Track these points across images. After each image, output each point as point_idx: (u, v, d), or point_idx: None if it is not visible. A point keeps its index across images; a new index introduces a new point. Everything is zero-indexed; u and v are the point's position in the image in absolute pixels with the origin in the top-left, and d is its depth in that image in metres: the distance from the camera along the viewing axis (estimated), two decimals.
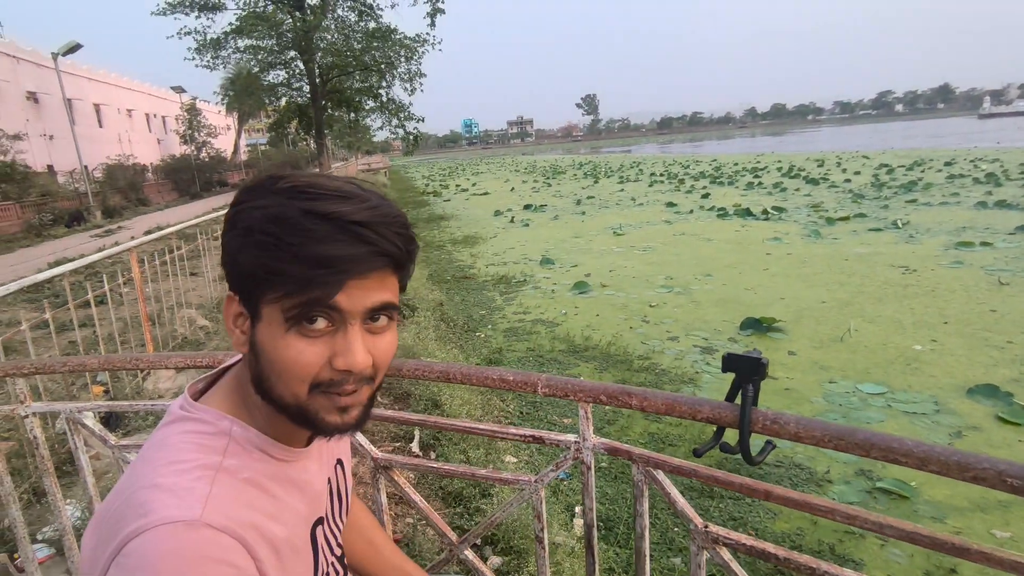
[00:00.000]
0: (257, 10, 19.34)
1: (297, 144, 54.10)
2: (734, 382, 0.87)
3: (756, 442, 0.91)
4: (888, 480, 3.52)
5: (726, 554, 0.90)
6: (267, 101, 23.28)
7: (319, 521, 0.72)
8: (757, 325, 6.06)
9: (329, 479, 0.78)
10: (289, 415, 0.62)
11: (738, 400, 0.86)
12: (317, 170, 36.46)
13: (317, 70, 20.89)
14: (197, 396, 0.69)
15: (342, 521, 0.82)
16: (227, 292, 0.64)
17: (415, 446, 3.79)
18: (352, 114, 24.58)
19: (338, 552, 0.78)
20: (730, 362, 0.86)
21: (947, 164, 23.09)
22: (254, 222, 0.58)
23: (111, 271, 7.66)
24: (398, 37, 20.19)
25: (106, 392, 4.10)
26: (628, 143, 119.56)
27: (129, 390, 4.12)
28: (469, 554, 1.22)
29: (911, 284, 7.35)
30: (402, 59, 19.90)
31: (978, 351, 5.22)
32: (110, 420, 3.78)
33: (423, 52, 19.70)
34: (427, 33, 19.98)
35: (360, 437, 1.22)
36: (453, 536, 1.21)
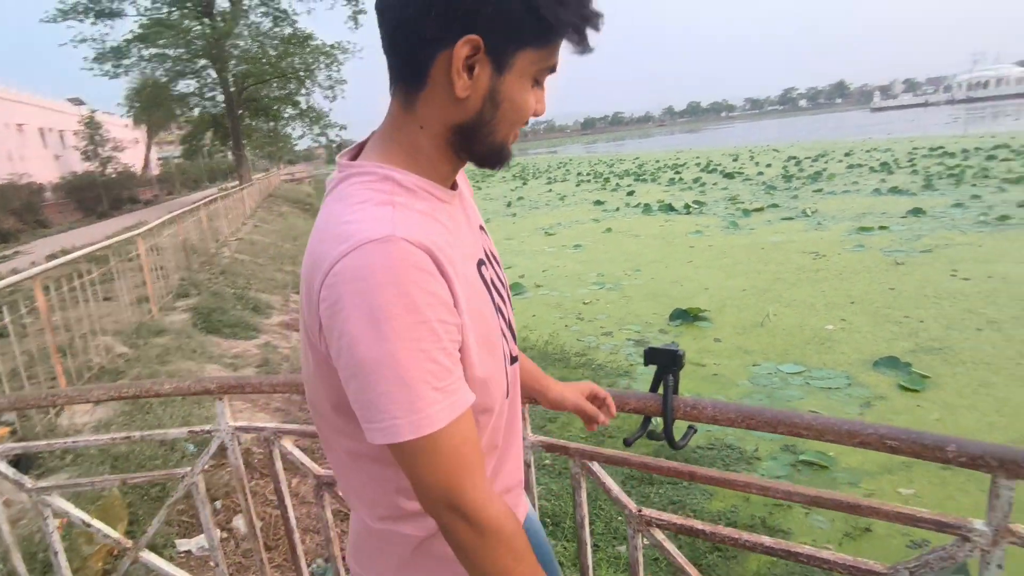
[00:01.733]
0: (160, 16, 18.33)
1: (213, 156, 51.72)
2: (656, 374, 0.94)
3: (682, 428, 0.99)
4: (810, 453, 3.79)
5: (659, 534, 0.97)
6: (178, 112, 22.10)
7: (480, 261, 0.77)
8: (685, 316, 6.35)
9: (488, 251, 0.83)
10: (491, 152, 0.72)
11: (660, 390, 0.93)
12: (236, 183, 34.93)
13: (231, 79, 20.04)
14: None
15: (502, 272, 0.85)
16: (463, 38, 0.64)
17: None
18: (271, 123, 23.73)
19: (504, 294, 0.83)
20: (651, 356, 0.94)
21: (846, 155, 24.90)
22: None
23: (10, 301, 7.07)
24: (316, 44, 19.69)
25: (13, 432, 3.79)
26: (554, 144, 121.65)
27: (41, 428, 3.83)
28: None
29: (821, 268, 7.90)
30: (322, 66, 19.43)
31: (880, 327, 5.69)
32: (21, 463, 3.50)
33: (344, 59, 19.30)
34: (348, 41, 19.61)
35: (300, 454, 1.21)
36: None
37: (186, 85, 21.20)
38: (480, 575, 0.66)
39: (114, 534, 1.35)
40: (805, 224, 11.05)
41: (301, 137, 22.33)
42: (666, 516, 0.97)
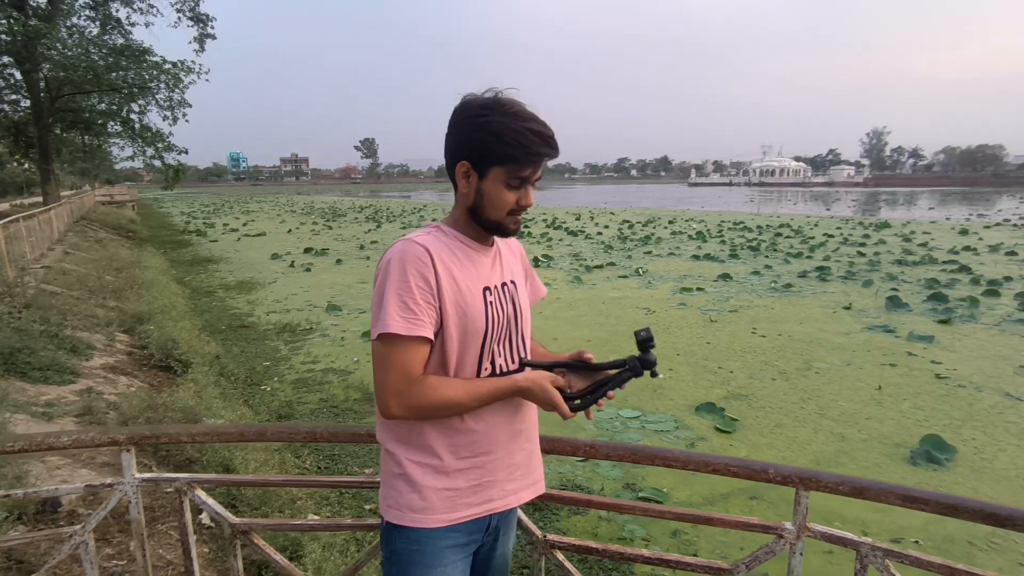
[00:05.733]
0: None
1: (4, 166, 44.01)
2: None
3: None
4: (648, 489, 4.27)
5: (560, 555, 1.16)
6: None
7: (487, 288, 1.19)
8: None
9: (506, 282, 1.26)
10: (489, 228, 1.20)
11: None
12: (34, 200, 30.02)
13: (43, 83, 17.54)
14: None
15: (515, 305, 1.26)
16: (460, 161, 1.16)
17: (205, 517, 3.47)
18: (88, 138, 21.00)
19: (508, 316, 1.23)
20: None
21: (671, 222, 28.32)
22: (500, 129, 1.10)
23: None
24: (155, 60, 18.05)
25: None
26: (408, 189, 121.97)
27: None
28: None
29: (652, 323, 8.90)
30: (162, 86, 17.77)
31: (700, 376, 6.58)
32: None
33: (189, 81, 17.90)
34: (193, 61, 18.25)
35: (214, 503, 1.22)
36: None
37: None
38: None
39: None
40: (638, 282, 12.38)
41: (132, 158, 19.97)
42: (567, 539, 1.17)
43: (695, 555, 3.61)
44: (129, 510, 1.25)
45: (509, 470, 1.23)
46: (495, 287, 1.21)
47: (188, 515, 1.28)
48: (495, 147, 1.10)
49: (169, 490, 1.22)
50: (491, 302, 1.18)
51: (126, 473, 1.23)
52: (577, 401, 1.19)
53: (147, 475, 1.25)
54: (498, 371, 1.20)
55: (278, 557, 1.25)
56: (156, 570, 1.25)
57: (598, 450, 1.11)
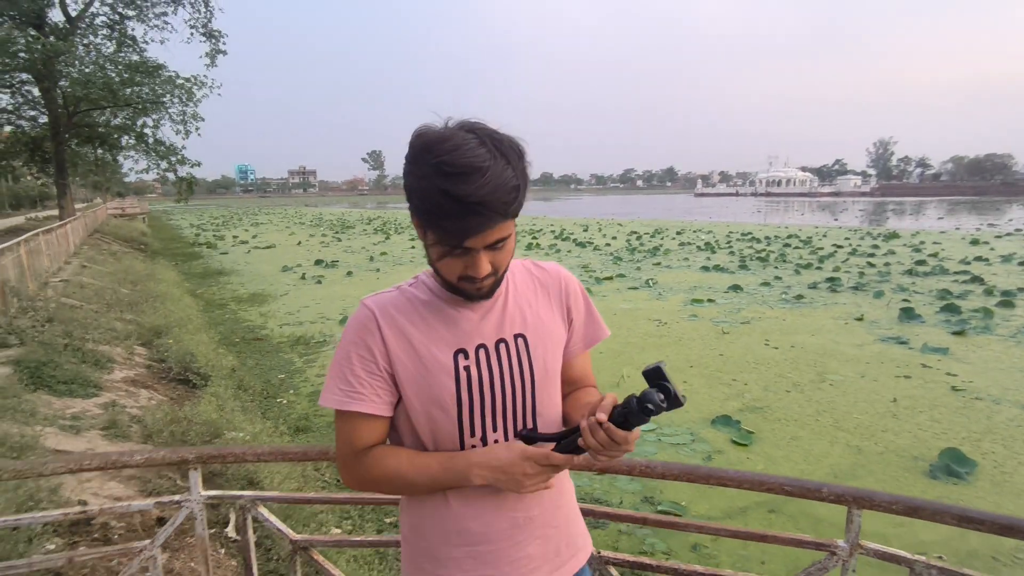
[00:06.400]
0: None
1: (19, 180, 44.62)
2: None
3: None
4: (666, 503, 4.28)
5: (614, 571, 1.20)
6: None
7: (460, 351, 1.01)
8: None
9: (500, 339, 1.04)
10: (448, 287, 0.99)
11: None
12: (48, 213, 30.32)
13: (61, 100, 17.85)
14: None
15: (510, 360, 1.04)
16: (415, 218, 0.95)
17: (230, 530, 3.51)
18: (102, 151, 21.27)
19: (499, 372, 1.02)
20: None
21: (679, 233, 28.34)
22: (414, 189, 0.91)
23: None
24: (169, 75, 18.37)
25: None
26: None
27: None
28: None
29: (664, 335, 8.92)
30: (175, 100, 18.05)
31: (715, 388, 6.59)
32: None
33: (202, 95, 18.17)
34: (205, 76, 18.56)
35: (276, 520, 1.27)
36: None
37: None
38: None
39: None
40: (648, 294, 12.39)
41: (145, 170, 20.24)
42: (620, 555, 1.21)
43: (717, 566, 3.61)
44: (194, 526, 1.30)
45: (521, 563, 1.02)
46: (476, 348, 1.01)
47: (251, 532, 1.32)
48: (417, 208, 0.92)
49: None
50: (466, 367, 1.00)
51: (193, 491, 1.28)
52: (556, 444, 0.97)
53: (213, 492, 1.30)
54: (468, 433, 1.01)
55: (336, 572, 1.29)
56: None
57: (654, 469, 1.15)
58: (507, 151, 0.90)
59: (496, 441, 1.01)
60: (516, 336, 1.04)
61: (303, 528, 3.45)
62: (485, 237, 0.90)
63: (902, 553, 1.03)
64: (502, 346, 1.02)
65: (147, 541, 1.29)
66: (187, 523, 1.31)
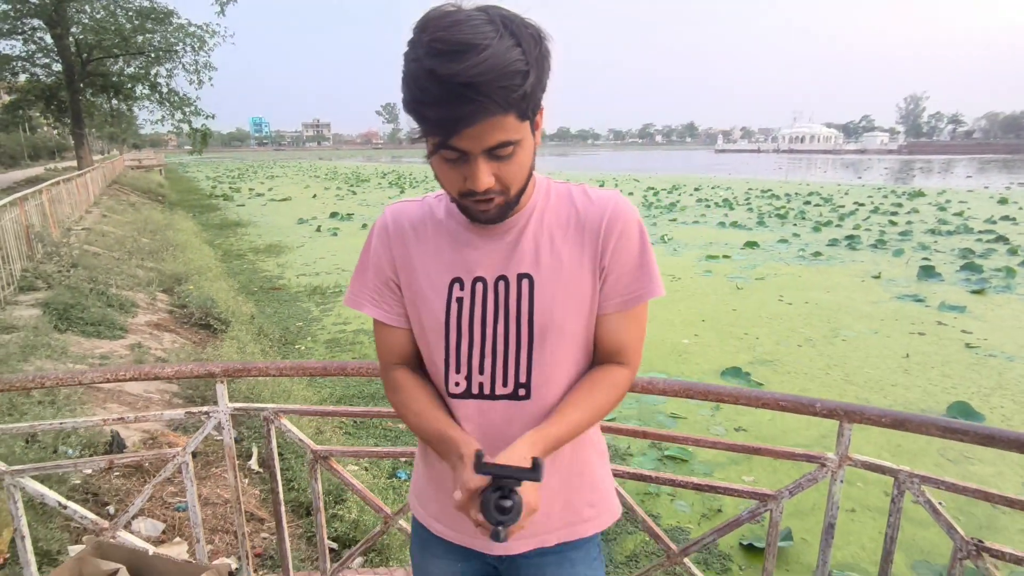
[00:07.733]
0: None
1: (36, 130, 44.83)
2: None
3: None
4: (673, 449, 4.39)
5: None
6: None
7: (456, 280, 0.91)
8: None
9: (501, 276, 0.90)
10: (461, 209, 0.86)
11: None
12: (66, 164, 30.59)
13: (75, 47, 17.75)
14: None
15: (506, 300, 0.90)
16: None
17: (253, 463, 3.69)
18: (117, 101, 21.25)
19: (493, 311, 0.90)
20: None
21: (696, 189, 27.90)
22: (403, 77, 0.74)
23: None
24: (180, 22, 18.12)
25: None
26: None
27: None
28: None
29: (678, 290, 8.93)
30: (187, 49, 17.87)
31: (726, 342, 6.63)
32: None
33: (214, 44, 17.95)
34: (217, 24, 18.31)
35: (298, 431, 1.35)
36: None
37: (10, 46, 18.40)
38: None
39: (91, 515, 1.35)
40: (664, 249, 12.33)
41: (159, 121, 20.24)
42: (622, 467, 1.28)
43: (695, 526, 3.72)
44: (222, 435, 1.39)
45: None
46: (474, 280, 0.90)
47: (274, 441, 1.41)
48: (404, 101, 0.76)
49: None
50: (459, 298, 0.90)
51: (220, 402, 1.36)
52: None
53: (239, 404, 1.39)
54: (475, 391, 0.91)
55: (354, 480, 1.38)
56: (233, 491, 1.40)
57: (655, 385, 1.20)
58: (518, 30, 0.73)
59: (481, 385, 0.90)
60: (521, 276, 0.89)
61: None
62: (480, 135, 0.73)
63: (887, 464, 1.08)
64: (501, 284, 0.89)
65: (179, 448, 1.39)
66: (214, 445, 1.40)
